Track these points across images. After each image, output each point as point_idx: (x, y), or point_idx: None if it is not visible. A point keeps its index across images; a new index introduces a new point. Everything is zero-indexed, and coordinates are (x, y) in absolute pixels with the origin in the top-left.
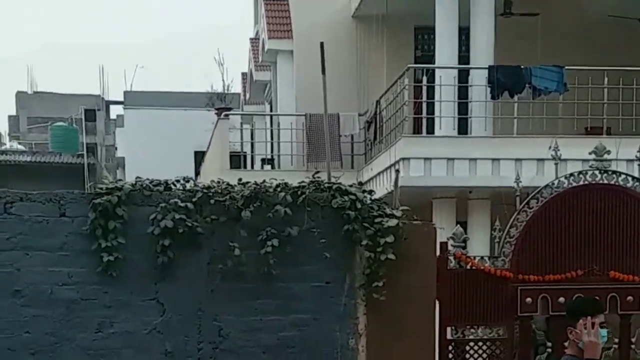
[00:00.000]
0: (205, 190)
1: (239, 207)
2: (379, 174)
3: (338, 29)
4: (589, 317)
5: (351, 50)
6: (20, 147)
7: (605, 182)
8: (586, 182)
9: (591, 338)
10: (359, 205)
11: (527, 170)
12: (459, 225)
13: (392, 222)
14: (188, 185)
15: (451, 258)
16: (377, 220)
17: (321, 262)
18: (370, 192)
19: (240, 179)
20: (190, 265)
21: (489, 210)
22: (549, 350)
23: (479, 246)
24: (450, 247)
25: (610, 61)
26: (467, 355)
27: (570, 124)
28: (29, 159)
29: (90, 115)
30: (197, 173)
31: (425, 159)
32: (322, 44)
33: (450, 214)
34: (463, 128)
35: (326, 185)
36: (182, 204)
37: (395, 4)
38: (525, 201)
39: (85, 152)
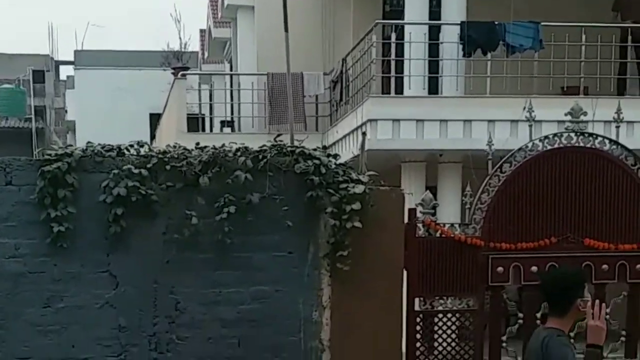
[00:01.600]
0: (160, 156)
1: (197, 173)
2: (345, 136)
3: None
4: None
5: (316, 6)
6: None
7: (582, 144)
8: (561, 145)
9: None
10: (323, 170)
11: (500, 132)
12: (428, 191)
13: (359, 189)
14: (142, 150)
15: (420, 225)
16: (342, 186)
17: (283, 231)
18: (335, 156)
19: (197, 143)
20: (145, 236)
21: (460, 175)
22: (521, 321)
23: (450, 212)
24: (419, 214)
25: (593, 16)
26: (436, 327)
27: (545, 84)
28: None
29: (39, 76)
30: (153, 137)
31: (394, 120)
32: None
33: (419, 178)
34: (434, 88)
35: (289, 149)
36: (136, 171)
37: None
38: (498, 165)
39: (33, 116)
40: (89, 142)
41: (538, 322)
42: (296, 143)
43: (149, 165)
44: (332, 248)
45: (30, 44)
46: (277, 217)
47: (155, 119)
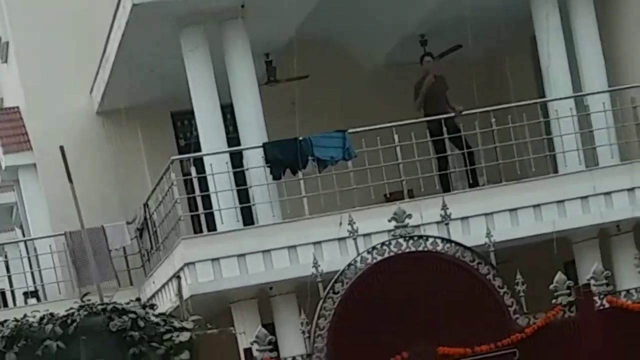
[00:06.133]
0: None
1: (2, 350)
2: (163, 286)
3: (83, 130)
4: None
5: (103, 151)
6: None
7: (413, 249)
8: (392, 254)
9: None
10: (142, 324)
11: (329, 252)
12: (261, 327)
13: (184, 336)
14: None
15: None
16: (166, 337)
17: None
18: (152, 305)
19: None
20: None
21: (296, 305)
22: None
23: (293, 346)
24: (255, 353)
25: (397, 114)
26: None
27: (367, 194)
28: None
29: None
30: None
31: (213, 260)
32: (62, 149)
33: (253, 317)
34: (248, 218)
35: (99, 307)
36: None
37: (144, 92)
38: (329, 287)
39: None
40: None
41: None
42: (106, 300)
43: None
44: None
45: None
46: None
47: None
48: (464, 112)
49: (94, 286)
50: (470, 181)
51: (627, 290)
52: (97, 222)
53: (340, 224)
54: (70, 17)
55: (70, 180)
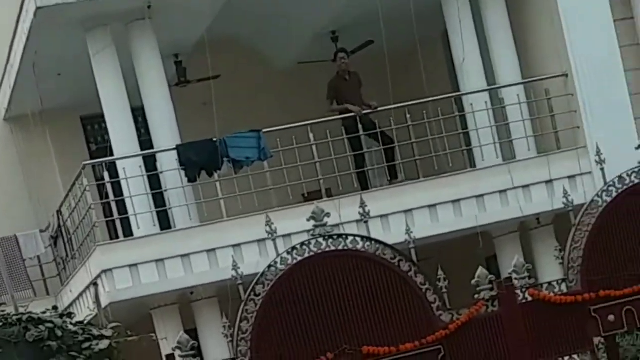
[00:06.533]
0: None
1: None
2: (80, 294)
3: None
4: None
5: (12, 159)
6: None
7: (333, 248)
8: (312, 253)
9: None
10: (59, 333)
11: (249, 255)
12: (182, 332)
13: (104, 344)
14: None
15: None
16: (85, 345)
17: None
18: (70, 314)
19: None
20: None
21: (218, 310)
22: None
23: (217, 353)
24: (178, 359)
25: (311, 113)
26: None
27: (284, 194)
28: None
29: None
30: None
31: (131, 265)
32: None
33: (175, 323)
34: (165, 222)
35: (15, 318)
36: None
37: (52, 96)
38: (250, 289)
39: None
40: None
41: None
42: (21, 310)
43: None
44: None
45: None
46: None
47: None
48: (378, 109)
49: (9, 296)
50: (389, 178)
51: (549, 283)
52: (9, 231)
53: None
54: None
55: None
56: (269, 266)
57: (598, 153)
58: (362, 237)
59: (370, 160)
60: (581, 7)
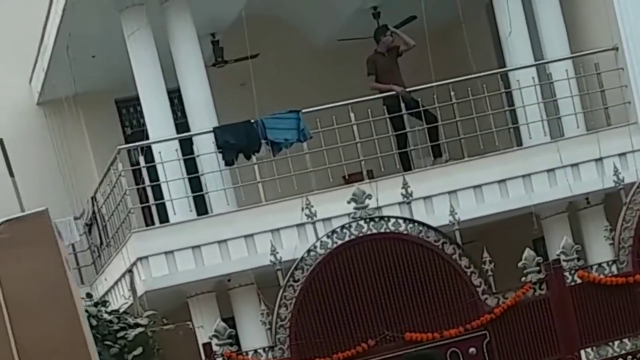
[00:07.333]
0: None
1: None
2: (116, 283)
3: (23, 121)
4: None
5: (46, 143)
6: None
7: (375, 231)
8: (353, 237)
9: None
10: (94, 322)
11: (288, 240)
12: (219, 320)
13: (138, 332)
14: None
15: (220, 359)
16: (120, 334)
17: None
18: (104, 303)
19: None
20: None
21: (256, 296)
22: None
23: (255, 340)
24: (215, 347)
25: (352, 92)
26: None
27: (324, 176)
28: None
29: None
30: None
31: (167, 253)
32: (1, 142)
33: (212, 311)
34: (202, 207)
35: None
36: None
37: (86, 80)
38: (289, 274)
39: None
40: None
41: None
42: None
43: None
44: None
45: None
46: None
47: None
48: (420, 87)
49: None
50: (433, 158)
51: (599, 264)
52: None
53: (302, 208)
54: (4, 6)
55: (12, 175)
56: (308, 251)
57: None
58: (405, 219)
59: (413, 140)
60: None
